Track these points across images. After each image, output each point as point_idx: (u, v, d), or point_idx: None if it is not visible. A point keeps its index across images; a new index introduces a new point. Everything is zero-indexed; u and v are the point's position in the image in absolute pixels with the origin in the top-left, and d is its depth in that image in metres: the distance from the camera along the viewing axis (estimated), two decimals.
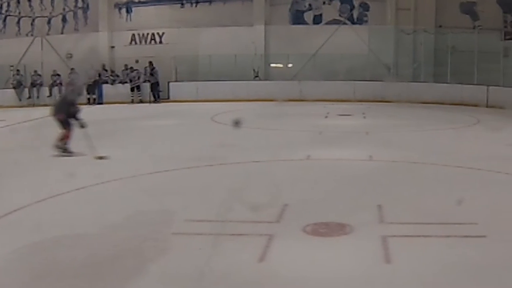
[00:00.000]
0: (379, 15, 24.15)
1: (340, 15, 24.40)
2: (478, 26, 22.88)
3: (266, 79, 24.04)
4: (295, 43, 23.69)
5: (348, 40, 23.32)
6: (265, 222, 6.58)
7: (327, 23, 24.41)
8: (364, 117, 17.50)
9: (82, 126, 10.82)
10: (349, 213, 6.94)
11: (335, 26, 24.06)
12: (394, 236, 6.11)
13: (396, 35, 23.62)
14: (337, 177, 9.12)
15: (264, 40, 24.33)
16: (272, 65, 24.54)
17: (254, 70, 24.01)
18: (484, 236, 6.10)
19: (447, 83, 21.67)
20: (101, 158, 10.29)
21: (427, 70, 22.92)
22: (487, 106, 20.19)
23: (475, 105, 19.99)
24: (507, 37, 22.00)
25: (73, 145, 10.94)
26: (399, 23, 23.66)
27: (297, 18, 24.72)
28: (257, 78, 24.05)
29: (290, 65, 24.27)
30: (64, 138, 10.95)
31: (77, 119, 10.89)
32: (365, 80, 22.44)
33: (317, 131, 13.83)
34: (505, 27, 22.54)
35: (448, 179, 9.06)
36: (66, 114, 10.91)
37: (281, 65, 24.43)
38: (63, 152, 10.89)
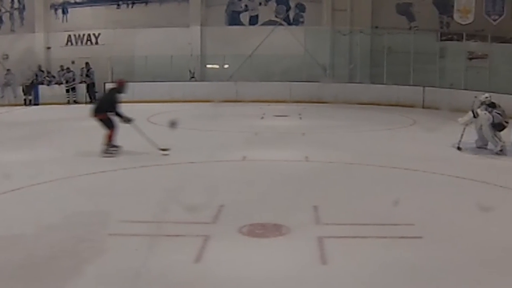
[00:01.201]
0: (315, 16, 24.71)
1: (276, 16, 24.82)
2: (414, 27, 23.82)
3: (202, 80, 24.25)
4: (231, 44, 23.97)
5: (284, 41, 23.75)
6: (201, 223, 6.73)
7: (263, 24, 24.83)
8: (300, 118, 17.86)
9: (128, 121, 11.23)
10: (285, 214, 7.14)
11: (271, 27, 24.49)
12: (330, 237, 6.34)
13: (332, 36, 24.21)
14: (274, 178, 9.35)
15: (200, 41, 24.65)
16: (208, 66, 24.76)
17: (190, 71, 24.23)
18: (420, 237, 6.42)
19: (383, 84, 22.43)
20: (164, 150, 10.92)
21: (364, 71, 23.64)
22: (423, 107, 21.06)
23: (411, 106, 20.83)
24: (443, 38, 22.96)
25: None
26: (335, 24, 24.28)
27: (233, 19, 25.04)
28: (193, 79, 24.27)
29: (226, 66, 24.50)
30: (109, 138, 11.24)
31: (120, 116, 11.23)
32: (301, 81, 22.86)
33: (253, 132, 14.04)
34: (441, 27, 23.56)
35: (384, 180, 9.46)
36: (107, 112, 11.18)
37: (217, 66, 24.65)
38: (111, 149, 11.20)
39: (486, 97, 12.20)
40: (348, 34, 24.09)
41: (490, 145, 12.09)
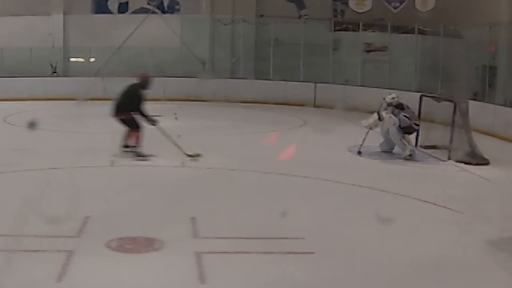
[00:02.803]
0: (192, 4, 24.73)
1: (148, 3, 24.57)
2: (305, 15, 24.39)
3: (65, 75, 23.63)
4: (98, 34, 23.42)
5: (157, 31, 23.50)
6: (64, 236, 6.71)
7: (134, 12, 24.57)
8: (176, 119, 17.68)
9: (153, 122, 11.58)
10: (159, 226, 7.20)
11: (143, 16, 24.18)
12: (210, 252, 6.41)
13: (212, 25, 24.32)
14: (146, 186, 9.44)
15: (63, 31, 24.06)
16: (72, 59, 24.20)
17: (51, 65, 23.63)
18: (311, 253, 6.56)
19: (269, 79, 22.80)
20: (193, 156, 11.38)
21: (247, 65, 23.92)
22: (314, 106, 21.66)
23: (301, 105, 21.28)
24: (337, 27, 23.71)
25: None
26: (215, 12, 24.39)
27: (100, 7, 24.60)
28: (55, 74, 23.67)
29: (92, 60, 24.02)
30: (136, 139, 11.61)
31: (145, 116, 11.55)
32: (177, 77, 22.73)
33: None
34: (335, 16, 24.39)
35: (270, 188, 9.61)
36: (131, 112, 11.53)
37: (82, 60, 24.15)
38: (137, 155, 11.55)
39: (393, 98, 12.62)
40: (229, 23, 24.29)
41: (397, 149, 12.60)
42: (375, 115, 12.45)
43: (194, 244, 6.66)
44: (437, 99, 13.72)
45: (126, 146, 11.75)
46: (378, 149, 12.84)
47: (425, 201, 9.03)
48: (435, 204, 8.86)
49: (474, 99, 17.19)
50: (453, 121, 12.45)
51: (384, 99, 12.73)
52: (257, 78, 23.09)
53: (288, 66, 22.73)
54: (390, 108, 12.53)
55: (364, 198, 9.24)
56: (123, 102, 11.80)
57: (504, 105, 16.88)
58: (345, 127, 15.71)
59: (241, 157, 11.77)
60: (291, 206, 8.12)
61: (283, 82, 22.20)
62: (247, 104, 21.34)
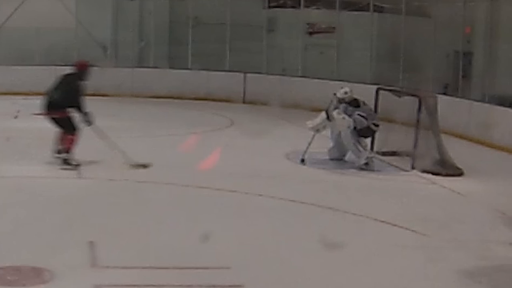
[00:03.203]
0: None
1: None
2: None
3: None
4: None
5: (47, 9, 23.21)
6: None
7: None
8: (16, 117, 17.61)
9: (89, 123, 11.71)
10: (48, 253, 7.15)
11: None
12: (112, 285, 6.42)
13: (115, 2, 24.32)
14: (32, 202, 9.35)
15: None
16: None
17: None
18: (240, 286, 6.59)
19: (187, 69, 22.95)
20: (142, 167, 11.57)
21: (160, 51, 24.01)
22: (244, 102, 21.94)
23: (228, 101, 21.60)
24: (272, 3, 23.82)
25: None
26: None
27: None
28: None
29: None
30: (69, 144, 11.68)
31: (83, 113, 11.70)
32: (71, 65, 22.48)
33: (2, 137, 13.69)
34: None
35: (188, 205, 9.65)
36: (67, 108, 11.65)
37: None
38: (66, 163, 11.60)
39: (346, 93, 12.77)
40: None
41: (350, 156, 12.82)
42: (323, 115, 12.62)
43: (92, 275, 6.63)
44: (398, 93, 14.01)
45: (59, 152, 11.78)
46: (326, 156, 13.04)
47: (382, 222, 9.17)
48: (395, 225, 9.02)
49: (444, 93, 17.71)
50: (418, 121, 12.74)
51: (334, 94, 12.85)
52: (171, 67, 23.12)
53: (211, 52, 22.85)
54: (342, 106, 12.68)
55: (307, 218, 9.32)
56: (57, 97, 11.81)
57: (482, 101, 17.39)
58: (283, 129, 15.89)
59: (151, 167, 11.77)
60: (214, 228, 8.13)
61: (205, 72, 22.30)
62: (159, 99, 21.41)
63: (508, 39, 17.64)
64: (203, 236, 7.72)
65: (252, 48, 22.87)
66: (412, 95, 13.16)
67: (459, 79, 19.09)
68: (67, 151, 11.72)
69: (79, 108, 11.69)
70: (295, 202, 9.93)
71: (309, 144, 12.70)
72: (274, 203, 9.91)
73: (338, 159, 12.99)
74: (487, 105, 16.78)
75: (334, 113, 12.50)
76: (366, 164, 12.49)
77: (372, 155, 12.94)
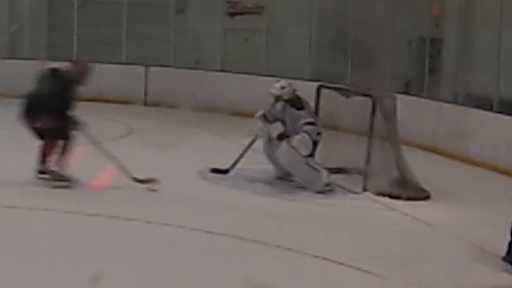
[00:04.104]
0: None
1: None
2: None
3: None
4: None
5: None
6: None
7: None
8: None
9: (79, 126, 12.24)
10: None
11: None
12: None
13: None
14: None
15: None
16: None
17: None
18: None
19: (72, 61, 22.55)
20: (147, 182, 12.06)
21: (36, 38, 24.07)
22: (146, 104, 22.22)
23: (125, 102, 21.78)
24: None
25: None
26: None
27: None
28: None
29: None
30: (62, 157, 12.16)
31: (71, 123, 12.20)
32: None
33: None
34: None
35: (74, 237, 9.53)
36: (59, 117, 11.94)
37: None
38: (59, 180, 11.99)
39: (283, 87, 12.92)
40: None
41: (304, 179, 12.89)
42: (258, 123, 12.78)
43: None
44: (346, 92, 14.14)
45: (43, 172, 12.09)
46: (256, 174, 13.16)
47: (325, 259, 9.25)
48: (341, 264, 9.11)
49: (406, 93, 17.86)
50: (371, 128, 12.89)
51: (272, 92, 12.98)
52: (51, 59, 22.89)
53: (102, 39, 23.02)
54: (279, 105, 12.79)
55: (227, 254, 9.36)
56: (41, 103, 12.02)
57: (454, 102, 17.64)
58: (196, 138, 15.89)
59: (20, 187, 11.79)
60: (106, 268, 8.07)
61: (96, 64, 22.14)
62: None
63: (488, 22, 17.80)
64: (91, 279, 7.65)
65: (156, 34, 23.01)
66: (364, 95, 13.27)
67: (425, 74, 19.27)
68: (56, 164, 12.12)
69: (65, 115, 12.09)
70: (211, 234, 9.98)
71: (243, 152, 12.78)
72: (184, 235, 9.96)
73: (284, 178, 13.04)
74: (461, 107, 17.01)
75: (273, 128, 12.60)
76: (328, 185, 12.59)
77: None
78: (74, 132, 12.27)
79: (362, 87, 14.13)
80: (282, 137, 12.61)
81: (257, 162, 13.21)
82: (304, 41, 21.31)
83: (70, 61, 12.96)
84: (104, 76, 21.96)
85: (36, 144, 12.17)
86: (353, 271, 8.88)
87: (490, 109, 16.21)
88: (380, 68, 17.68)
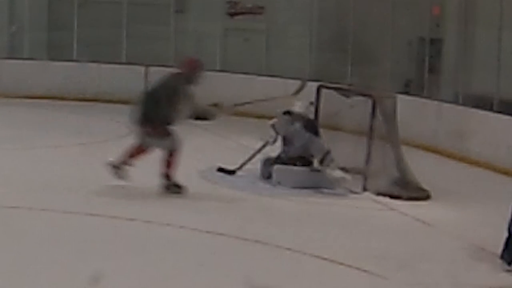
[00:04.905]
0: None
1: None
2: None
3: None
4: None
5: None
6: None
7: None
8: None
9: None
10: None
11: None
12: None
13: None
14: None
15: None
16: None
17: None
18: None
19: (72, 60, 22.91)
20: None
21: (36, 38, 24.06)
22: None
23: (126, 102, 20.58)
24: None
25: None
26: None
27: None
28: None
29: None
30: (169, 167, 12.12)
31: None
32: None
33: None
34: None
35: (74, 237, 9.46)
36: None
37: None
38: (174, 188, 12.13)
39: (311, 103, 13.20)
40: None
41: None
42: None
43: None
44: (346, 92, 14.13)
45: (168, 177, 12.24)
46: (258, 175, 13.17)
47: (325, 259, 9.25)
48: (341, 264, 9.10)
49: (406, 93, 17.85)
50: (372, 128, 12.89)
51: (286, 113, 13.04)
52: (52, 59, 22.91)
53: (102, 39, 22.95)
54: (297, 125, 12.82)
55: (227, 254, 9.36)
56: (154, 107, 12.06)
57: (454, 102, 17.63)
58: (196, 138, 15.85)
59: (27, 187, 11.75)
60: (106, 268, 8.03)
61: (95, 65, 22.27)
62: (36, 100, 21.35)
63: (488, 22, 17.81)
64: (91, 279, 7.65)
65: (156, 34, 22.98)
66: (364, 95, 13.25)
67: (425, 74, 19.34)
68: (167, 172, 12.18)
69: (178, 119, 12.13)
70: (212, 234, 9.97)
71: (253, 156, 12.83)
72: (185, 235, 9.94)
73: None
74: (461, 107, 17.06)
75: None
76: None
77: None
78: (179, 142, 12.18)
79: (362, 87, 14.12)
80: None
81: (257, 162, 13.19)
82: (304, 41, 21.30)
83: (181, 61, 12.76)
84: (104, 76, 22.08)
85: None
86: (353, 271, 8.87)
87: (490, 109, 16.22)
88: (380, 68, 17.71)
